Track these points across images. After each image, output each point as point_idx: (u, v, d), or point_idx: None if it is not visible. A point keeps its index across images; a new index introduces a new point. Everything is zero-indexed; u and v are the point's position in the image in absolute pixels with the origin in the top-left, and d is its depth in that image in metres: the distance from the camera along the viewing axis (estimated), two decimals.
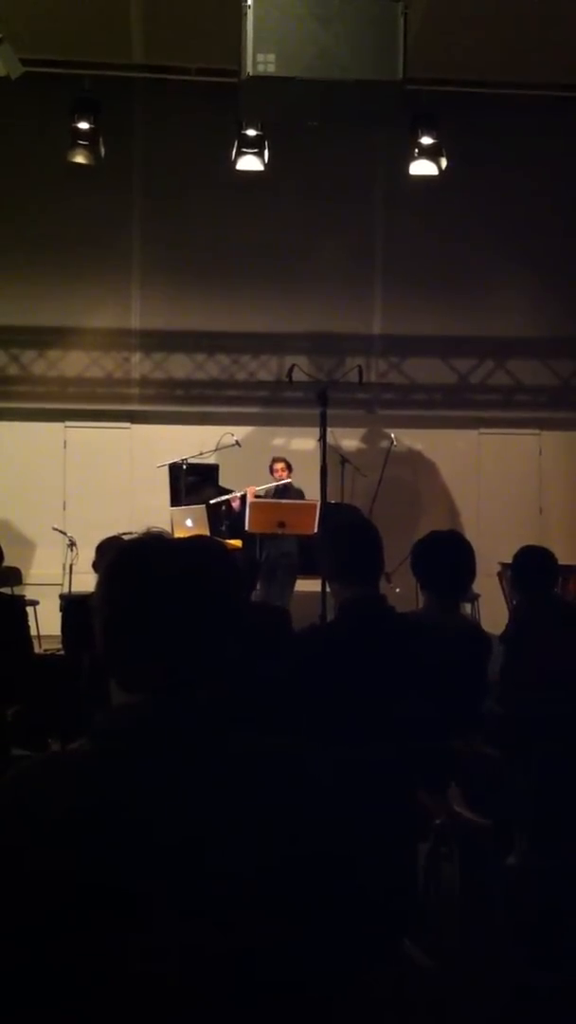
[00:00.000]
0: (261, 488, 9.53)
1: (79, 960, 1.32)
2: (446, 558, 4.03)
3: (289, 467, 9.82)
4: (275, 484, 9.66)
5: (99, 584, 1.61)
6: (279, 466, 9.81)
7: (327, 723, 2.99)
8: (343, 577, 3.49)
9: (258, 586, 8.82)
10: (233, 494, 9.59)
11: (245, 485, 9.83)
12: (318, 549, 3.93)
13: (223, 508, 9.60)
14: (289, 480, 9.72)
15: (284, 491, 9.65)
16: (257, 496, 9.36)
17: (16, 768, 1.49)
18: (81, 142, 10.09)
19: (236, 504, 9.47)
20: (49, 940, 1.32)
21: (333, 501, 9.52)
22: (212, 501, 9.42)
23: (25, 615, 5.39)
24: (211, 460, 10.43)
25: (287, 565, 9.42)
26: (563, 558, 5.11)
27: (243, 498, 9.35)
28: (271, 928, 1.37)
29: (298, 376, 9.80)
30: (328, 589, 8.28)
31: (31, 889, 1.34)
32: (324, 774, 1.53)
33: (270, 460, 9.96)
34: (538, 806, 2.72)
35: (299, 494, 9.65)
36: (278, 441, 11.44)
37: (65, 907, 1.33)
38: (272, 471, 9.83)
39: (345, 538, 3.52)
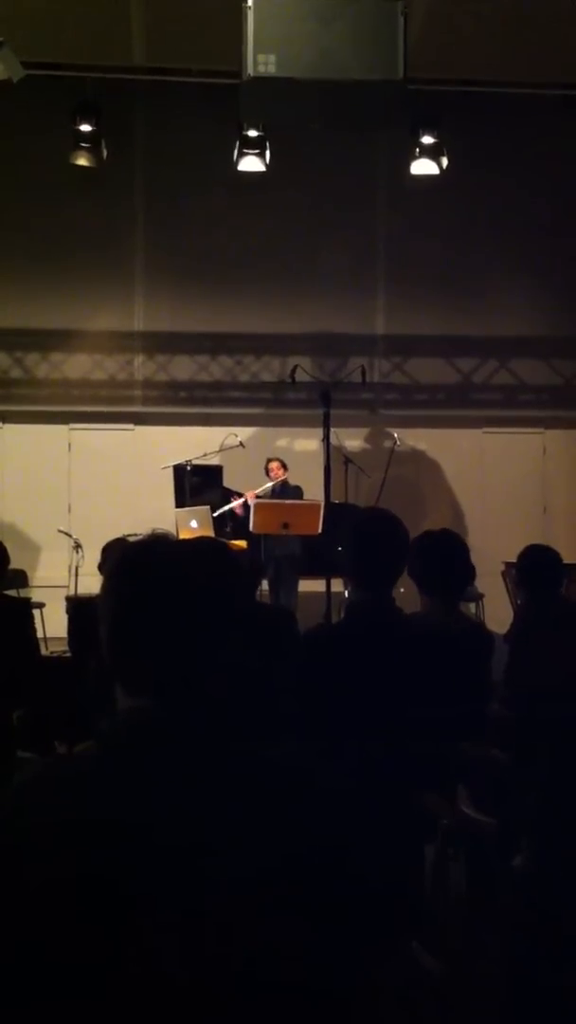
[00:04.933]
0: (260, 490, 9.61)
1: (83, 961, 1.32)
2: (439, 558, 3.91)
3: (284, 466, 9.92)
4: (271, 484, 9.71)
5: (104, 586, 1.61)
6: (274, 465, 9.95)
7: (332, 725, 2.99)
8: (356, 578, 3.46)
9: (264, 587, 8.86)
10: (235, 501, 9.63)
11: (249, 486, 9.85)
12: (342, 544, 3.81)
13: (228, 515, 9.64)
14: (285, 478, 9.79)
15: (282, 489, 9.71)
16: (258, 497, 9.41)
17: (23, 772, 1.49)
18: (83, 144, 10.13)
19: (239, 510, 9.53)
20: (53, 942, 1.33)
21: (337, 501, 9.53)
22: (215, 513, 9.45)
23: (31, 617, 5.39)
24: (215, 461, 10.43)
25: (291, 566, 9.46)
26: (567, 557, 5.11)
27: (245, 503, 9.45)
28: (274, 931, 1.37)
29: (301, 377, 9.82)
30: (335, 588, 8.45)
31: (37, 891, 1.34)
32: (327, 776, 1.53)
33: (265, 462, 10.07)
34: (544, 807, 2.72)
35: (296, 491, 9.73)
36: (281, 442, 11.44)
37: (69, 909, 1.33)
38: (267, 471, 9.93)
39: (365, 540, 3.45)
